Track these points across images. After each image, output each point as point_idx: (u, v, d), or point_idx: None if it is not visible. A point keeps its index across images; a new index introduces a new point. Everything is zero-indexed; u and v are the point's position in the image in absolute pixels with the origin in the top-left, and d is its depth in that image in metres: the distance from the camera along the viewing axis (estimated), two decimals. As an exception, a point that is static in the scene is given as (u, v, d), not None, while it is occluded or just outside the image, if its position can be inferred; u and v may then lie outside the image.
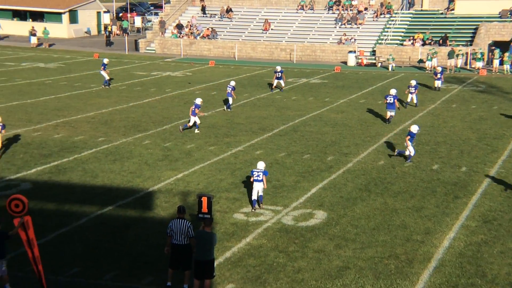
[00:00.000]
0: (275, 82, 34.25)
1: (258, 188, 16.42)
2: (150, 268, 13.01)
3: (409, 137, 21.01)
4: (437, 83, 35.26)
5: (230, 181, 18.67)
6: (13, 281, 12.00)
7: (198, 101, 24.92)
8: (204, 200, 15.21)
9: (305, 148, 22.68)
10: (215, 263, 12.40)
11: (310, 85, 37.08)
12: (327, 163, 20.80)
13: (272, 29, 52.48)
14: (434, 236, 14.96)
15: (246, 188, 18.05)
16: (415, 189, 18.44)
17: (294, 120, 27.19)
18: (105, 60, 34.68)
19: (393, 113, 26.95)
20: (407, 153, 21.04)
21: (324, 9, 54.14)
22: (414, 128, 21.12)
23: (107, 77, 34.04)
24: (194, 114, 24.33)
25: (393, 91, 27.20)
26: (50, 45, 53.39)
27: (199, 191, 17.34)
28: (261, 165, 16.71)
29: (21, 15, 60.93)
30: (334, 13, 53.18)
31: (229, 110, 28.88)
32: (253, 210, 16.42)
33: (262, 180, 16.40)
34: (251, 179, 16.55)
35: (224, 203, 16.86)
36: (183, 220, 12.11)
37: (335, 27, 51.59)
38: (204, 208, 15.22)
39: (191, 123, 24.47)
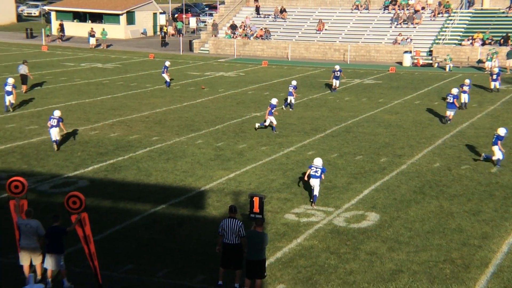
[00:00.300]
0: (334, 82, 33.98)
1: (314, 184, 16.55)
2: (202, 266, 13.12)
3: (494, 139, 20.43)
4: (494, 84, 34.25)
5: (281, 182, 18.65)
6: (70, 276, 12.31)
7: (274, 101, 24.94)
8: (256, 200, 15.29)
9: (358, 149, 22.44)
10: (266, 263, 12.40)
11: (363, 86, 36.67)
12: (380, 165, 20.51)
13: (326, 29, 52.18)
14: (492, 241, 14.54)
15: (298, 189, 18.00)
16: (472, 192, 17.97)
17: (347, 121, 26.94)
18: (167, 63, 35.55)
19: (452, 113, 26.48)
20: (495, 157, 20.35)
21: (380, 9, 53.44)
22: (502, 131, 20.33)
23: (168, 79, 34.81)
24: (271, 114, 24.41)
25: (454, 90, 26.83)
26: (107, 46, 54.64)
27: (250, 191, 17.39)
28: (318, 161, 16.77)
29: (80, 17, 62.65)
30: (390, 12, 52.43)
31: (290, 109, 29.09)
32: (312, 205, 16.64)
33: (319, 177, 16.50)
34: (307, 173, 16.69)
35: (276, 203, 16.85)
36: (234, 220, 12.15)
37: (391, 27, 50.86)
38: (256, 208, 15.30)
39: (267, 123, 24.64)
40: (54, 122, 21.25)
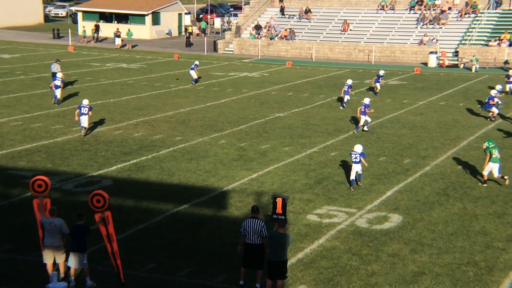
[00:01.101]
0: (378, 85, 33.37)
1: (356, 169, 18.02)
2: (224, 266, 13.16)
3: None
4: (509, 86, 33.42)
5: (304, 182, 18.62)
6: (93, 274, 12.43)
7: (367, 100, 25.08)
8: (279, 201, 15.23)
9: (381, 150, 22.31)
10: (288, 264, 12.39)
11: (388, 87, 36.40)
12: (404, 166, 20.36)
13: (351, 30, 51.94)
14: (516, 244, 14.34)
15: (321, 189, 17.96)
16: (496, 194, 17.74)
17: (371, 122, 26.76)
18: (197, 62, 36.70)
19: (495, 110, 27.06)
20: None
21: (406, 9, 53.04)
22: None
23: (196, 76, 35.70)
24: (364, 113, 24.55)
25: (493, 91, 27.32)
26: (133, 46, 55.06)
27: (273, 192, 17.40)
28: (358, 148, 18.17)
29: (107, 18, 63.25)
30: (416, 13, 51.99)
31: (343, 107, 29.60)
32: (351, 189, 17.96)
33: (360, 162, 17.97)
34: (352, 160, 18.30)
35: (298, 204, 16.84)
36: (256, 220, 12.17)
37: (416, 28, 50.43)
38: (279, 209, 15.25)
39: (361, 123, 24.70)
40: (85, 110, 23.31)
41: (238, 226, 12.93)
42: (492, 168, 18.13)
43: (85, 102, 23.72)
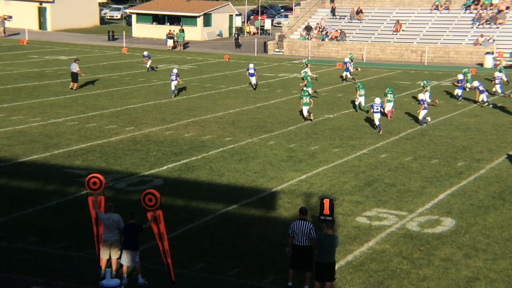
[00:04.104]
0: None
1: (378, 117, 24.22)
2: (272, 267, 13.16)
3: None
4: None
5: (353, 184, 18.44)
6: (145, 272, 12.63)
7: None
8: (326, 202, 15.09)
9: (433, 152, 21.87)
10: (336, 266, 12.29)
11: (441, 88, 35.68)
12: (457, 169, 19.90)
13: (403, 30, 51.15)
14: None
15: (370, 191, 17.75)
16: (555, 199, 17.15)
17: (423, 124, 26.29)
18: (251, 66, 34.73)
19: None
20: None
21: (461, 9, 51.87)
22: None
23: (254, 81, 34.51)
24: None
25: None
26: (184, 48, 55.68)
27: (322, 193, 17.30)
28: (378, 100, 24.43)
29: (159, 20, 64.23)
30: (471, 12, 50.77)
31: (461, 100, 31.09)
32: (378, 130, 24.17)
33: (379, 112, 24.15)
34: (372, 111, 24.48)
35: (347, 205, 16.68)
36: (305, 222, 12.12)
37: (472, 28, 49.25)
38: (326, 210, 15.14)
39: None
40: (173, 77, 30.51)
41: (286, 228, 12.90)
42: (303, 109, 25.98)
43: (175, 70, 31.35)
